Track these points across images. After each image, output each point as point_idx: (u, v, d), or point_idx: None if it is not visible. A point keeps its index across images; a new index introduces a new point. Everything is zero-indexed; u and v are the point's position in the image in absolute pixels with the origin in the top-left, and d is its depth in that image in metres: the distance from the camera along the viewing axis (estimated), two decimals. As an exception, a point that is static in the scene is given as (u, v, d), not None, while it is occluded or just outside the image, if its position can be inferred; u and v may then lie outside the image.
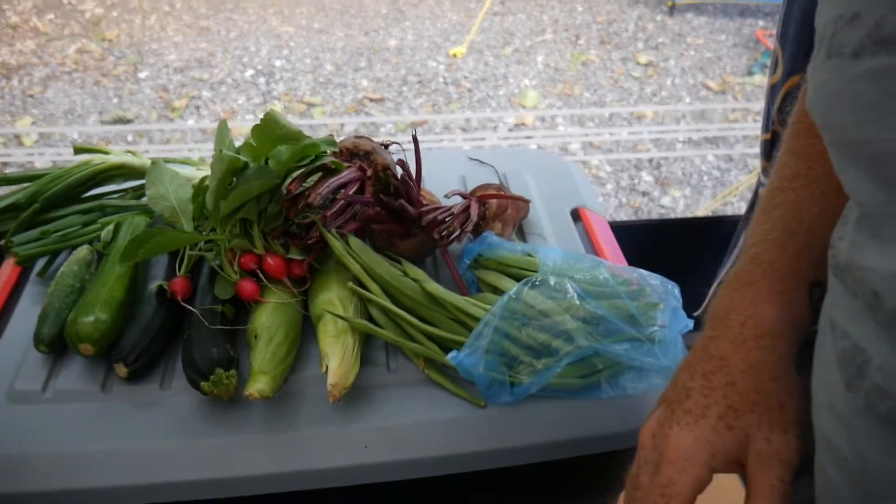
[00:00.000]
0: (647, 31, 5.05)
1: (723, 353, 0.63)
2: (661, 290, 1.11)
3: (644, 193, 3.57)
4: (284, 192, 1.11)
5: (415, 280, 1.10)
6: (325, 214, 1.10)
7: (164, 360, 1.08)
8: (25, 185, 1.29)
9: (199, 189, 1.12)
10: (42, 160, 3.51)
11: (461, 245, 1.25)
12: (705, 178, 3.68)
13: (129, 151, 1.32)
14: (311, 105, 4.04)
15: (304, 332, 1.10)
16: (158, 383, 1.05)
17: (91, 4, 5.00)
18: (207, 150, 3.60)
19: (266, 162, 1.11)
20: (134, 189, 1.35)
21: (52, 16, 4.87)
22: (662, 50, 4.85)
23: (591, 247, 1.35)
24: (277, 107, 3.99)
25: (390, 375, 1.07)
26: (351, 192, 1.15)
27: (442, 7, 5.25)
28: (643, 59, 4.71)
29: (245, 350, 1.06)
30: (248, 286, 1.07)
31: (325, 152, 1.14)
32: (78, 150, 1.31)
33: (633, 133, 3.87)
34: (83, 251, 1.19)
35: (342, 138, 1.29)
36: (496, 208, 1.25)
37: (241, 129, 3.77)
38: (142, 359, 1.03)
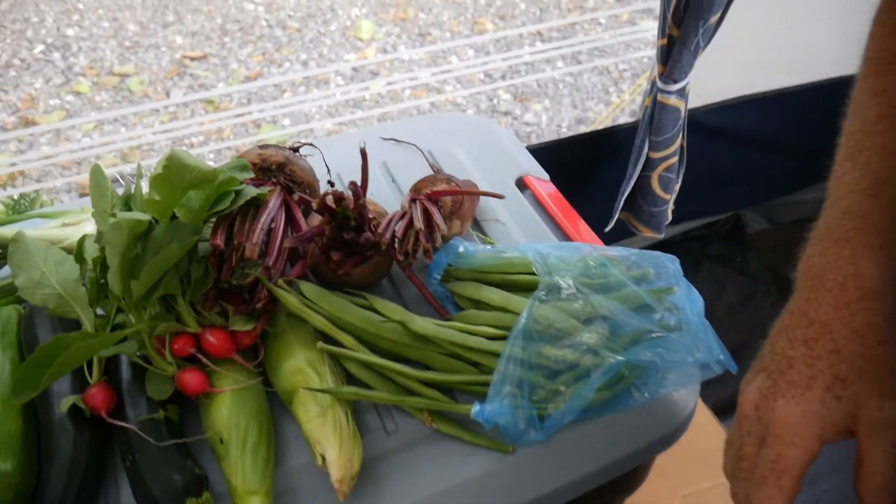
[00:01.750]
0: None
1: (824, 318, 0.60)
2: (661, 265, 0.99)
3: (506, 113, 3.45)
4: (207, 248, 0.87)
5: (395, 321, 0.91)
6: (267, 265, 0.87)
7: (104, 498, 0.84)
8: None
9: (95, 264, 0.85)
10: None
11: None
12: (560, 86, 3.61)
13: (-27, 218, 1.00)
14: (123, 76, 3.54)
15: (272, 411, 0.89)
16: (106, 534, 0.81)
17: None
18: (23, 164, 3.07)
19: (172, 217, 0.86)
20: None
21: None
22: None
23: (550, 219, 1.20)
24: (85, 86, 3.46)
25: (391, 440, 0.89)
26: (282, 227, 0.92)
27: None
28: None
29: (205, 455, 0.83)
30: (192, 378, 0.84)
31: (242, 183, 0.90)
32: None
33: (483, 62, 3.72)
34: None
35: (243, 152, 1.04)
36: (451, 204, 1.06)
37: (48, 119, 3.24)
38: (78, 509, 0.78)
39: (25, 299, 0.86)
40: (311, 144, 1.08)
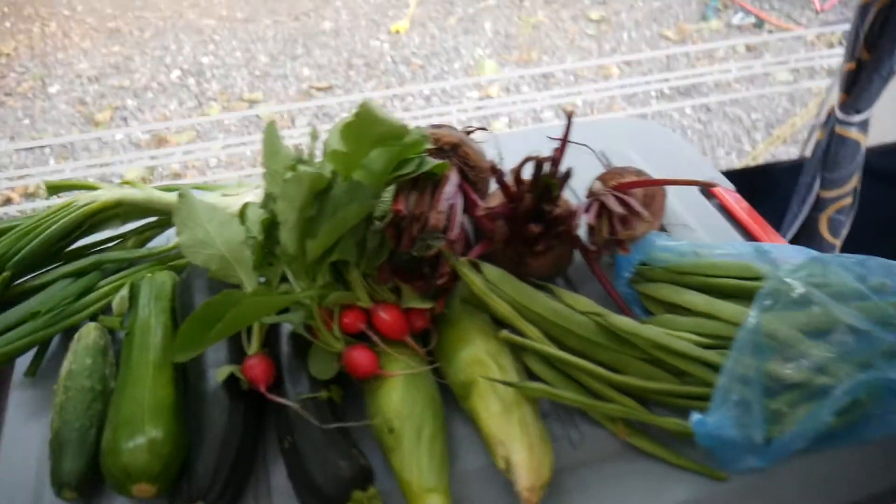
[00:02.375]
0: (589, -14, 4.81)
1: None
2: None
3: (632, 156, 3.31)
4: (387, 214, 0.78)
5: (587, 314, 0.79)
6: (451, 238, 0.77)
7: (253, 481, 0.74)
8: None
9: (263, 225, 0.77)
10: (-50, 200, 3.00)
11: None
12: (689, 132, 3.46)
13: (126, 182, 0.95)
14: (252, 102, 3.62)
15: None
16: (256, 521, 0.71)
17: (-23, 16, 4.39)
18: (146, 163, 3.16)
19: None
20: (137, 232, 0.98)
21: (-69, 34, 4.24)
22: (611, 4, 4.61)
23: (742, 229, 1.06)
24: (216, 109, 3.55)
25: (577, 452, 0.76)
26: (460, 204, 0.82)
27: (371, -18, 4.87)
28: (594, 15, 4.46)
29: (364, 445, 0.73)
30: (362, 356, 0.74)
31: (425, 153, 0.81)
32: (53, 189, 0.93)
33: (601, 90, 3.61)
34: (91, 333, 0.83)
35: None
36: (642, 198, 0.94)
37: (178, 138, 3.33)
38: (228, 492, 0.69)
39: (188, 258, 0.79)
40: (483, 129, 0.99)
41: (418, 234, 0.76)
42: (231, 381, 0.74)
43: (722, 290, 0.84)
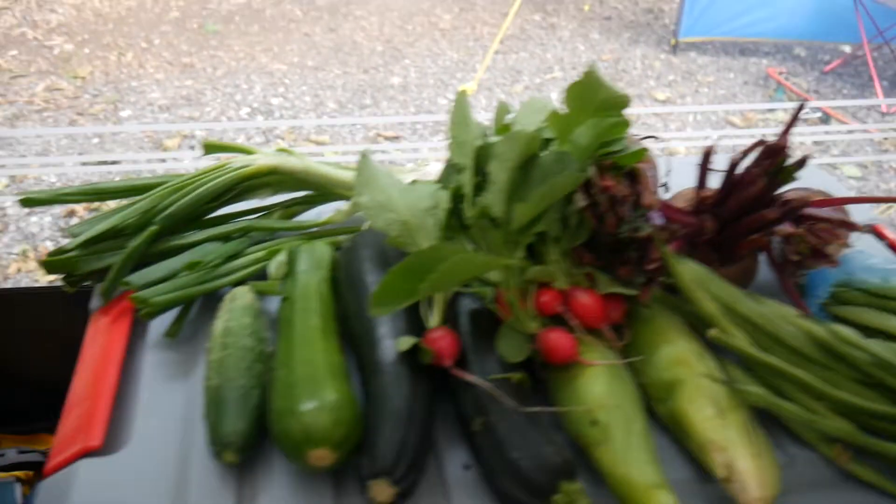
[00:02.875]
0: (655, 69, 4.85)
1: None
2: None
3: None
4: (596, 190, 0.72)
5: (797, 325, 0.71)
6: (660, 225, 0.70)
7: (432, 467, 0.66)
8: (129, 200, 0.86)
9: (452, 194, 0.72)
10: (14, 209, 2.99)
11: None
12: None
13: (283, 149, 0.90)
14: (319, 144, 3.64)
15: (633, 410, 0.69)
16: (431, 510, 0.63)
17: (59, 40, 4.50)
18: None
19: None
20: (284, 206, 0.93)
21: (14, 52, 4.35)
22: (675, 87, 4.65)
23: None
24: (283, 146, 3.57)
25: (785, 475, 0.67)
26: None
27: (440, 46, 4.96)
28: (660, 95, 4.49)
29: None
30: (562, 340, 0.66)
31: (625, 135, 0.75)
32: (210, 148, 0.88)
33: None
34: (247, 295, 0.76)
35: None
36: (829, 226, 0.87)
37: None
38: (414, 471, 0.61)
39: (367, 219, 0.73)
40: (654, 137, 0.94)
41: (626, 215, 0.69)
42: (408, 355, 0.67)
43: (935, 318, 0.76)
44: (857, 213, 1.07)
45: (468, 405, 0.65)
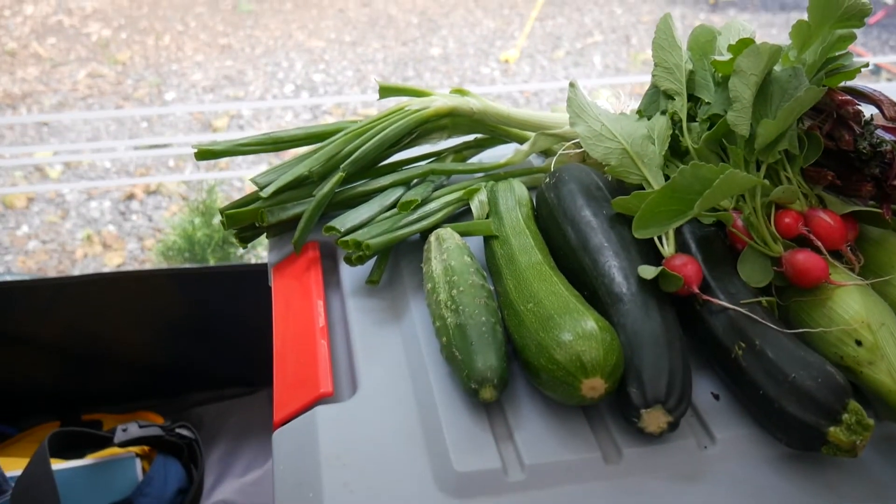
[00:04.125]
0: (695, 29, 4.80)
1: None
2: None
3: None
4: (831, 107, 0.69)
5: None
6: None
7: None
8: (309, 149, 0.84)
9: (672, 116, 0.69)
10: (73, 195, 2.99)
11: None
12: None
13: (458, 90, 0.88)
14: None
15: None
16: (692, 438, 0.61)
17: (96, 27, 4.48)
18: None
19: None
20: (454, 150, 0.90)
21: (53, 40, 4.34)
22: (718, 45, 4.59)
23: None
24: (331, 119, 3.53)
25: None
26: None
27: (475, 15, 4.90)
28: (704, 54, 4.43)
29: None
30: (813, 261, 0.64)
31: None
32: (385, 91, 0.86)
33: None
34: (454, 236, 0.74)
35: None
36: None
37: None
38: (685, 399, 0.59)
39: (585, 149, 0.71)
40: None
41: (864, 127, 0.66)
42: (648, 285, 0.64)
43: None
44: None
45: (723, 331, 0.62)
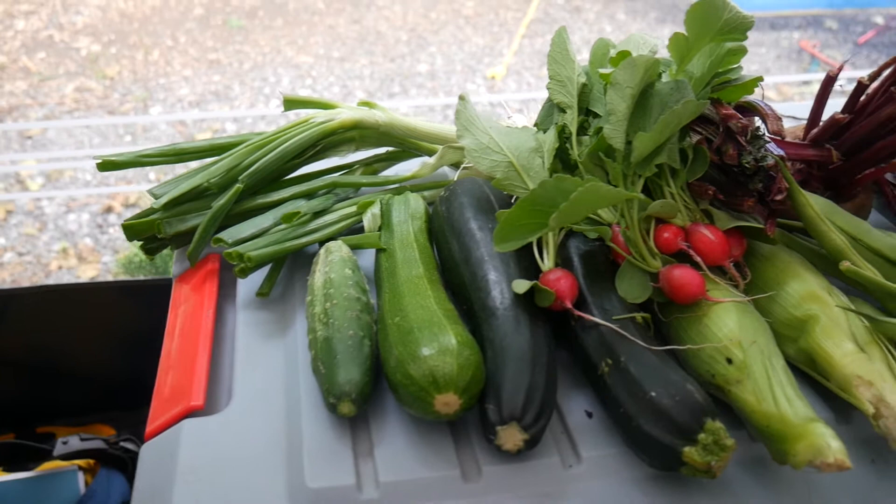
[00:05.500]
0: (684, 47, 4.80)
1: None
2: None
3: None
4: (710, 120, 0.68)
5: (937, 254, 0.67)
6: (783, 155, 0.66)
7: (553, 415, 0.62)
8: (210, 160, 0.83)
9: (558, 132, 0.68)
10: (52, 208, 2.99)
11: None
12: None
13: (366, 103, 0.87)
14: (350, 133, 3.62)
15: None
16: (558, 457, 0.60)
17: (86, 41, 4.51)
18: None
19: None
20: (365, 163, 0.90)
21: (43, 55, 4.36)
22: (706, 64, 4.58)
23: None
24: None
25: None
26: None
27: (464, 32, 4.92)
28: (691, 73, 4.43)
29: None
30: (689, 276, 0.62)
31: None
32: (290, 104, 0.85)
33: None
34: (342, 249, 0.73)
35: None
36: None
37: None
38: (543, 416, 0.58)
39: (471, 162, 0.70)
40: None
41: (748, 142, 0.65)
42: (523, 299, 0.63)
43: None
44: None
45: (592, 348, 0.61)
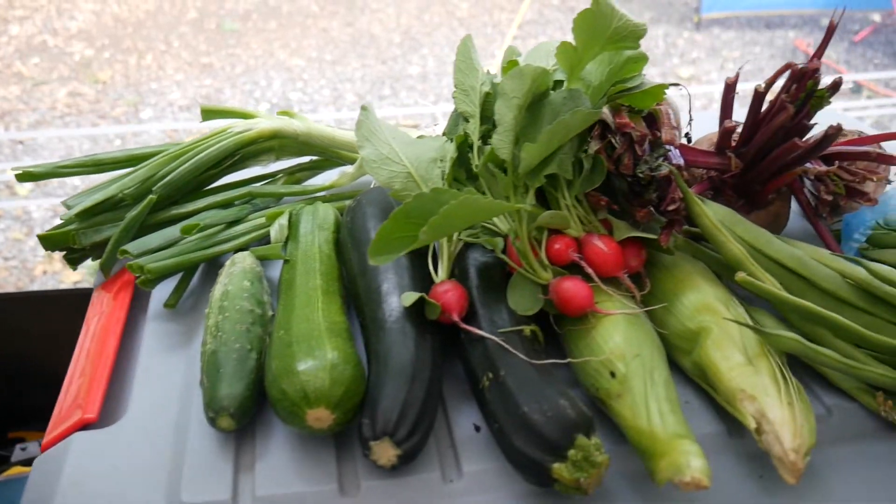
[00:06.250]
0: (678, 47, 4.76)
1: None
2: None
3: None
4: (612, 130, 0.67)
5: (834, 268, 0.66)
6: (679, 164, 0.66)
7: (433, 433, 0.62)
8: (127, 171, 0.83)
9: (458, 143, 0.68)
10: (40, 213, 3.01)
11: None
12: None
13: (285, 112, 0.87)
14: (339, 136, 3.62)
15: (657, 363, 0.64)
16: (439, 472, 0.59)
17: (80, 46, 4.53)
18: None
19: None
20: (288, 172, 0.90)
21: (36, 59, 4.39)
22: (700, 64, 4.55)
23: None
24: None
25: (823, 427, 0.62)
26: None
27: (458, 34, 4.91)
28: (684, 73, 4.40)
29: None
30: (577, 289, 0.62)
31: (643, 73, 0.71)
32: (207, 114, 0.85)
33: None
34: (247, 260, 0.73)
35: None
36: (866, 164, 0.81)
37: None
38: (418, 431, 0.57)
39: (369, 173, 0.69)
40: (677, 85, 0.88)
41: (644, 153, 0.65)
42: (414, 312, 0.63)
43: None
44: None
45: (476, 361, 0.61)
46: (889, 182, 0.72)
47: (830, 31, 0.68)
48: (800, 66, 0.65)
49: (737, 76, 0.70)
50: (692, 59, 4.64)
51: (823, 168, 0.72)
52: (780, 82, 0.72)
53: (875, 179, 0.69)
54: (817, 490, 0.58)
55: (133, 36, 4.68)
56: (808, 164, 0.73)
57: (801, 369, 0.65)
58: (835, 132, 0.63)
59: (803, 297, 0.66)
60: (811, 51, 4.54)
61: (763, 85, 0.68)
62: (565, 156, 0.64)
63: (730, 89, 0.70)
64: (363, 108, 0.72)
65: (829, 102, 0.66)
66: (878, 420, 0.62)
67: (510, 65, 0.66)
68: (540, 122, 0.64)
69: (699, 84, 4.29)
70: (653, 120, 0.70)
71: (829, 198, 0.72)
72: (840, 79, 0.66)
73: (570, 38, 0.67)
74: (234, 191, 0.83)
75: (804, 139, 0.68)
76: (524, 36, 4.83)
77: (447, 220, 0.56)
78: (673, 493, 0.57)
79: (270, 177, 0.89)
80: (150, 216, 0.80)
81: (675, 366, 0.66)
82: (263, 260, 0.75)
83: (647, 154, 0.65)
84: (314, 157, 0.90)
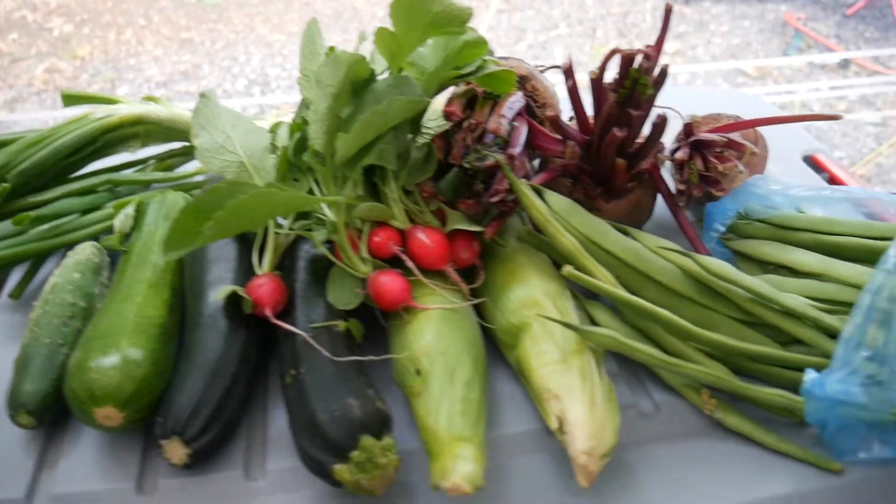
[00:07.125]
0: (666, 21, 4.70)
1: None
2: None
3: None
4: (440, 121, 0.65)
5: (671, 260, 0.64)
6: (511, 153, 0.63)
7: (246, 429, 0.61)
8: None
9: (293, 132, 0.66)
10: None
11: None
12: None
13: (150, 98, 0.85)
14: (314, 113, 3.59)
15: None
16: (241, 470, 0.58)
17: (59, 22, 4.50)
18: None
19: (399, 71, 0.66)
20: (159, 159, 0.88)
21: (15, 35, 4.37)
22: (687, 38, 4.47)
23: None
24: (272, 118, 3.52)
25: (648, 425, 0.61)
26: (524, 127, 0.69)
27: (443, 8, 4.84)
28: (669, 48, 4.33)
29: (390, 395, 0.59)
30: (392, 282, 0.60)
31: (486, 59, 0.68)
32: (69, 100, 0.83)
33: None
34: (86, 250, 0.71)
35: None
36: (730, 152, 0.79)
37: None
38: (211, 429, 0.56)
39: (202, 163, 0.68)
40: (557, 67, 0.86)
41: (474, 143, 0.63)
42: (231, 306, 0.61)
43: (838, 250, 0.68)
44: (802, 144, 0.99)
45: (285, 357, 0.59)
46: (741, 172, 0.70)
47: (668, 16, 0.65)
48: (624, 51, 0.62)
49: (570, 63, 0.68)
50: (679, 34, 4.56)
51: (670, 156, 0.69)
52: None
53: (721, 168, 0.66)
54: (625, 490, 0.56)
55: (113, 11, 4.64)
56: (665, 153, 0.71)
57: (639, 365, 0.64)
58: (661, 122, 0.61)
59: (642, 291, 0.65)
60: (800, 25, 4.47)
61: (597, 71, 0.65)
62: (387, 146, 0.62)
63: (567, 74, 0.68)
64: (202, 95, 0.70)
65: (653, 91, 0.63)
66: (705, 418, 0.61)
67: (330, 51, 0.64)
68: (363, 110, 0.62)
69: (683, 60, 4.23)
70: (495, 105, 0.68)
71: (683, 187, 0.69)
72: (666, 67, 0.63)
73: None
74: (91, 179, 0.81)
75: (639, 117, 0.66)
76: (510, 9, 4.75)
77: (236, 216, 0.54)
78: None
79: (141, 163, 0.87)
80: (5, 204, 0.78)
81: (504, 362, 0.64)
82: (110, 250, 0.74)
83: (479, 143, 0.63)
84: (186, 143, 0.88)
